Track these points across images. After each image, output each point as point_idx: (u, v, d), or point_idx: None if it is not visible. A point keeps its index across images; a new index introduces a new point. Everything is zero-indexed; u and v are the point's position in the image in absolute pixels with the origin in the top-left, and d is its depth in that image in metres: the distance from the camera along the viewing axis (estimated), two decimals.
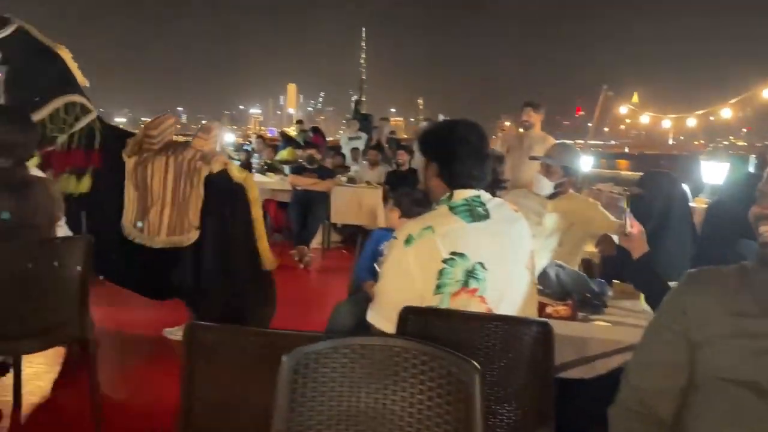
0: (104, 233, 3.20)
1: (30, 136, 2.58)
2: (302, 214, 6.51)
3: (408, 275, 1.70)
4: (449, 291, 1.69)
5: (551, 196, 3.07)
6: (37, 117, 3.10)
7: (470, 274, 1.69)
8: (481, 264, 1.70)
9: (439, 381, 1.32)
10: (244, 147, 9.77)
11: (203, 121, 3.69)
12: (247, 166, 9.06)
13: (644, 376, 1.22)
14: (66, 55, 3.36)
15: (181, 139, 3.80)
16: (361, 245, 3.39)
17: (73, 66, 3.40)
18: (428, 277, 1.69)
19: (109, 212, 3.44)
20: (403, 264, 1.71)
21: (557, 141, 3.29)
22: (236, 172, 3.56)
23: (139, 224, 3.44)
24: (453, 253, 1.69)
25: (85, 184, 3.38)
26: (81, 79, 3.44)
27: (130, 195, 3.45)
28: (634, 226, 2.01)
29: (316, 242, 6.74)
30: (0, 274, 2.29)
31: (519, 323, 1.69)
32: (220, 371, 1.51)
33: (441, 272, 1.68)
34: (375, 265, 3.13)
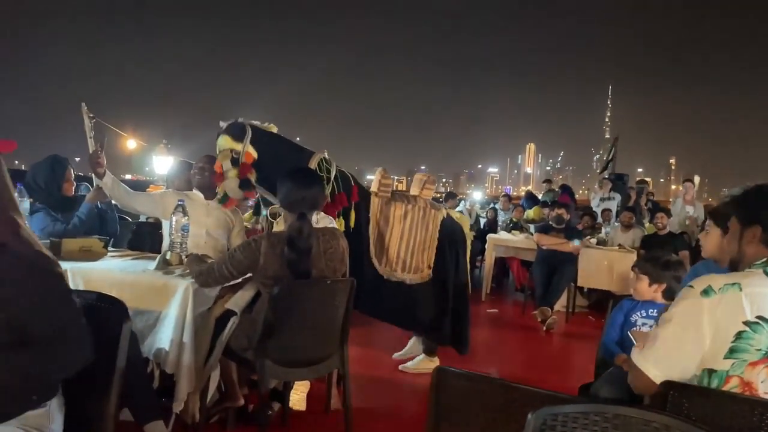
0: (360, 266, 3.72)
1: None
2: (547, 274, 6.33)
3: (696, 328, 1.53)
4: (746, 359, 1.49)
5: None
6: None
7: None
8: None
9: None
10: (492, 205, 9.94)
11: (421, 174, 4.29)
12: (493, 223, 9.22)
13: None
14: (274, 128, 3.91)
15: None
16: (609, 313, 3.16)
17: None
18: (722, 337, 1.51)
19: (365, 245, 3.92)
20: (695, 315, 1.55)
21: None
22: (455, 215, 4.30)
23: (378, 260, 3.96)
24: (760, 318, 1.49)
25: (352, 219, 3.86)
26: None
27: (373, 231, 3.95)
28: None
29: (560, 305, 6.49)
30: (300, 311, 2.66)
31: None
32: (463, 419, 1.54)
33: (739, 335, 1.49)
34: (630, 334, 2.89)
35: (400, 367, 4.21)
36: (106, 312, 1.68)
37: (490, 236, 7.61)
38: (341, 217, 3.82)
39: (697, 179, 12.15)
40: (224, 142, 3.62)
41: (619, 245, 6.93)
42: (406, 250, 3.96)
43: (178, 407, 2.68)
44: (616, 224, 7.86)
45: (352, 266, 3.37)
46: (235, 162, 3.57)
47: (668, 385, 1.52)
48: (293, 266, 2.59)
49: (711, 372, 1.51)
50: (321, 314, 2.72)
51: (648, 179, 10.30)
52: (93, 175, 3.37)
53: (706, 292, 1.55)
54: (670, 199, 10.41)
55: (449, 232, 4.09)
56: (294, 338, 2.64)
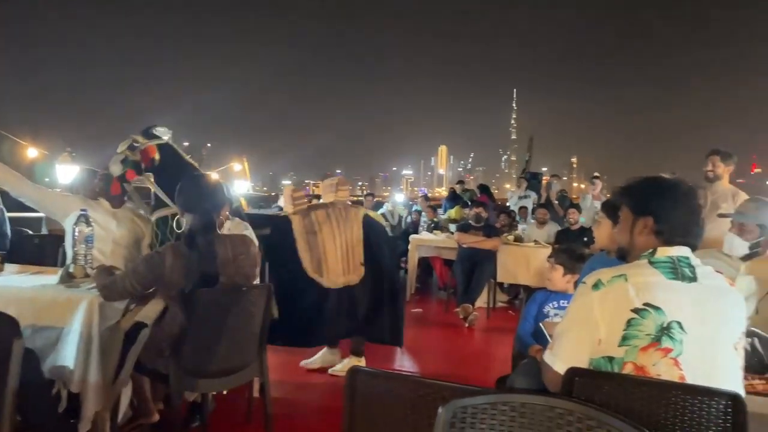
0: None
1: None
2: (468, 272, 6.48)
3: (591, 321, 1.60)
4: (637, 344, 1.56)
5: (745, 258, 2.75)
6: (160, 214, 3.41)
7: (665, 331, 1.54)
8: (680, 324, 1.54)
9: None
10: (414, 207, 10.06)
11: (333, 177, 4.37)
12: (416, 224, 9.33)
13: None
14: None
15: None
16: (524, 306, 3.26)
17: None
18: (614, 326, 1.57)
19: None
20: (587, 308, 1.62)
21: (757, 197, 2.97)
22: (372, 213, 4.31)
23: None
24: (647, 305, 1.56)
25: None
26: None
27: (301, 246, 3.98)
28: None
29: (481, 301, 6.65)
30: (212, 320, 2.57)
31: (703, 393, 1.49)
32: (379, 417, 1.53)
33: (629, 322, 1.56)
34: (541, 326, 2.99)
35: (330, 371, 4.17)
36: None
37: (412, 237, 7.70)
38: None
39: (597, 175, 12.72)
40: (132, 135, 3.49)
41: (535, 241, 7.17)
42: (341, 252, 4.01)
43: (84, 428, 2.53)
44: (532, 221, 8.14)
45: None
46: (131, 148, 3.43)
47: (573, 371, 1.58)
48: (199, 271, 2.49)
49: (610, 359, 1.58)
50: (237, 322, 2.64)
51: (556, 176, 10.75)
52: None
53: (596, 285, 1.63)
54: (574, 196, 10.94)
55: (371, 229, 4.17)
56: (209, 348, 2.55)
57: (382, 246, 4.23)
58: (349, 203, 4.27)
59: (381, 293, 4.15)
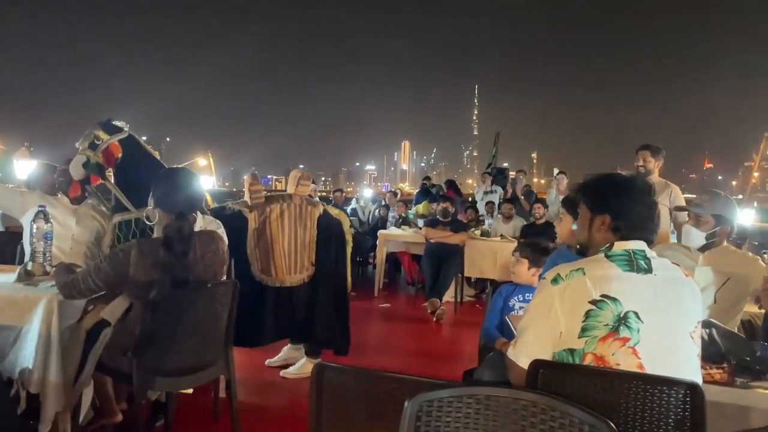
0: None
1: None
2: (435, 266, 6.52)
3: (552, 315, 1.63)
4: (596, 335, 1.59)
5: (702, 249, 2.83)
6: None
7: (622, 321, 1.58)
8: (636, 314, 1.58)
9: None
10: (383, 203, 10.05)
11: (296, 170, 4.17)
12: (384, 220, 9.34)
13: None
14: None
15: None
16: (490, 300, 3.29)
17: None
18: (573, 318, 1.61)
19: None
20: (548, 303, 1.65)
21: (711, 189, 3.06)
22: (334, 211, 4.16)
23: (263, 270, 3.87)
24: (604, 296, 1.59)
25: None
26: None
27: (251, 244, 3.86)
28: None
29: (449, 296, 6.69)
30: (176, 317, 2.51)
31: (662, 383, 1.53)
32: (345, 413, 1.53)
33: (588, 314, 1.59)
34: (507, 319, 3.03)
35: (282, 373, 4.07)
36: None
37: (380, 232, 7.71)
38: None
39: (555, 171, 12.89)
40: (92, 130, 3.37)
41: (501, 235, 7.25)
42: (289, 250, 3.88)
43: (44, 429, 2.46)
44: (498, 216, 8.23)
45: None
46: (93, 147, 3.32)
47: (537, 364, 1.60)
48: (170, 272, 2.43)
49: (572, 351, 1.61)
50: (202, 320, 2.60)
51: (522, 171, 10.88)
52: None
53: (555, 280, 1.67)
54: (535, 191, 11.08)
55: (326, 228, 4.03)
56: (173, 346, 2.51)
57: (335, 247, 4.07)
58: (309, 199, 4.09)
59: (327, 297, 4.01)
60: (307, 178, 4.15)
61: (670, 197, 4.18)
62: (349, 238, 4.14)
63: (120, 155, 3.35)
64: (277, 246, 3.86)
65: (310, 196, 4.26)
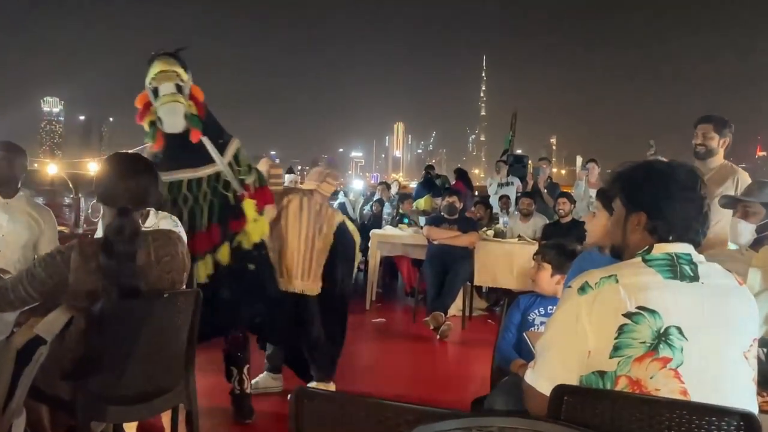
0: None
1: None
2: (439, 274, 6.51)
3: (579, 331, 1.63)
4: (631, 355, 1.58)
5: (753, 245, 2.85)
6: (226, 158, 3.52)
7: (662, 337, 1.57)
8: (679, 329, 1.58)
9: None
10: (376, 198, 10.05)
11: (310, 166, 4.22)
12: (378, 217, 9.34)
13: None
14: None
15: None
16: (505, 314, 3.29)
17: None
18: (604, 334, 1.60)
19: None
20: (574, 316, 1.65)
21: (759, 180, 3.08)
22: (351, 226, 4.22)
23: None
24: (640, 308, 1.59)
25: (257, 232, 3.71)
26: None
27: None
28: None
29: (455, 309, 6.71)
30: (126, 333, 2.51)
31: (710, 412, 1.53)
32: None
33: (621, 329, 1.59)
34: (525, 336, 3.04)
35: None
36: None
37: (373, 232, 7.70)
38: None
39: (579, 159, 12.82)
40: (166, 64, 3.27)
41: (519, 236, 7.27)
42: (303, 251, 3.91)
43: None
44: (515, 213, 8.23)
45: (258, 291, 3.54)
46: (179, 90, 3.29)
47: (561, 390, 1.60)
48: (113, 280, 2.42)
49: (602, 374, 1.61)
50: (158, 336, 2.60)
51: (545, 158, 10.81)
52: None
53: (582, 289, 1.66)
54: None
55: (341, 242, 4.07)
56: (122, 369, 2.51)
57: (343, 268, 4.13)
58: (328, 202, 4.14)
59: (331, 323, 4.09)
60: (335, 178, 4.25)
61: (736, 185, 3.81)
62: (357, 261, 4.19)
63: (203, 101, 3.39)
64: (293, 243, 3.88)
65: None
